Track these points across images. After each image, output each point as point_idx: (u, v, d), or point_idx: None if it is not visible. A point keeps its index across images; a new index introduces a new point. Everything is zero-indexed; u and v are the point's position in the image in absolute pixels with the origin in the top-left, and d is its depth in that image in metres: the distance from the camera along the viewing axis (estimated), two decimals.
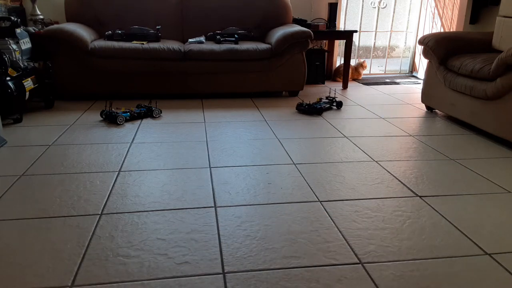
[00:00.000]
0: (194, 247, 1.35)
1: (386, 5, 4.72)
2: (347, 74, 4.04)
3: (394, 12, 4.75)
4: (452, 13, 4.04)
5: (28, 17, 3.72)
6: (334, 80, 4.52)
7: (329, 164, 2.09)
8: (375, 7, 4.71)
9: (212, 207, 1.63)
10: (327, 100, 3.21)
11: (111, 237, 1.40)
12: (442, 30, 4.24)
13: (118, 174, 1.93)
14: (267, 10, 3.90)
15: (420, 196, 1.75)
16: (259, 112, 3.09)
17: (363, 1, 4.64)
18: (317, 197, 1.72)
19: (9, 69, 2.64)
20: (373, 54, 5.05)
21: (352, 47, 4.07)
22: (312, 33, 3.44)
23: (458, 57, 2.78)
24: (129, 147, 2.30)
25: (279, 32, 3.50)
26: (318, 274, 1.23)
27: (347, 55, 3.99)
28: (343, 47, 4.23)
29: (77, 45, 3.16)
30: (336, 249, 1.35)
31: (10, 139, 2.39)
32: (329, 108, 3.15)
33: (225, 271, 1.24)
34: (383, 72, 4.93)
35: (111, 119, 2.75)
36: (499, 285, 1.19)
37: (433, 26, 4.39)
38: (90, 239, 1.39)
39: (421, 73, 4.65)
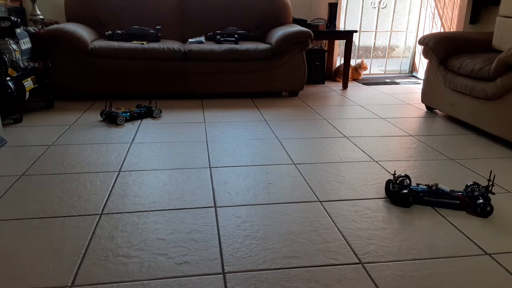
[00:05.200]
0: (194, 247, 1.35)
1: (386, 5, 4.72)
2: (347, 74, 4.04)
3: (394, 12, 4.75)
4: (452, 13, 4.04)
5: (28, 17, 3.71)
6: (334, 80, 4.52)
7: (329, 164, 2.09)
8: (375, 7, 4.71)
9: (212, 207, 1.63)
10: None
11: (111, 237, 1.40)
12: (442, 30, 4.24)
13: (118, 174, 1.93)
14: (267, 10, 3.90)
15: None
16: (259, 112, 3.09)
17: (363, 1, 4.64)
18: (317, 197, 1.72)
19: (9, 69, 2.64)
20: (373, 54, 5.05)
21: (352, 47, 4.06)
22: (312, 33, 3.44)
23: (458, 57, 2.78)
24: (129, 147, 2.30)
25: (279, 32, 3.50)
26: (318, 274, 1.23)
27: (347, 55, 3.99)
28: (343, 47, 4.23)
29: (77, 45, 3.16)
30: (336, 249, 1.35)
31: (10, 139, 2.39)
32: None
33: (225, 271, 1.24)
34: (383, 72, 4.93)
35: (111, 119, 2.75)
36: (499, 285, 1.19)
37: (433, 26, 4.39)
38: (90, 239, 1.39)
39: (421, 73, 4.65)
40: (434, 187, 1.67)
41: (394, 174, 1.73)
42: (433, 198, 1.65)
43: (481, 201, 1.58)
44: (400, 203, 1.65)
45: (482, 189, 1.63)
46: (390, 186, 1.71)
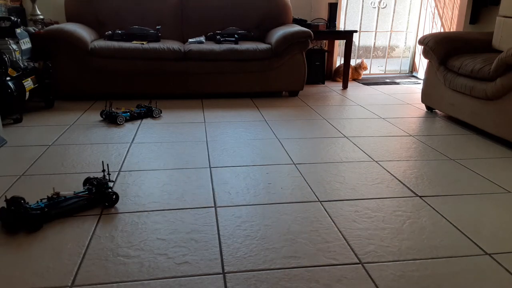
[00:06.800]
0: (194, 247, 1.35)
1: (386, 5, 4.72)
2: (347, 74, 4.04)
3: (394, 12, 4.75)
4: (452, 13, 4.04)
5: (28, 17, 3.71)
6: (334, 80, 4.52)
7: (329, 164, 2.09)
8: (375, 7, 4.71)
9: (212, 207, 1.63)
10: None
11: (111, 237, 1.40)
12: (442, 30, 4.24)
13: (118, 174, 1.93)
14: (267, 10, 3.90)
15: (420, 196, 1.75)
16: (259, 112, 3.09)
17: (363, 1, 4.64)
18: (317, 197, 1.72)
19: (9, 69, 2.64)
20: (373, 54, 5.05)
21: (352, 47, 4.06)
22: (312, 33, 3.44)
23: (458, 57, 2.78)
24: (129, 147, 2.30)
25: (279, 32, 3.50)
26: (318, 274, 1.23)
27: (347, 55, 3.99)
28: (343, 47, 4.22)
29: (77, 45, 3.16)
30: (336, 249, 1.35)
31: (10, 139, 2.39)
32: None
33: (225, 271, 1.24)
34: (383, 72, 4.93)
35: (111, 119, 2.75)
36: (499, 285, 1.19)
37: (433, 26, 4.39)
38: (90, 239, 1.39)
39: (421, 73, 4.65)
40: (55, 197, 1.52)
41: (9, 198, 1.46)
42: (60, 208, 1.50)
43: (109, 191, 1.60)
44: (29, 227, 1.42)
45: (102, 179, 1.64)
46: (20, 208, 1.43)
